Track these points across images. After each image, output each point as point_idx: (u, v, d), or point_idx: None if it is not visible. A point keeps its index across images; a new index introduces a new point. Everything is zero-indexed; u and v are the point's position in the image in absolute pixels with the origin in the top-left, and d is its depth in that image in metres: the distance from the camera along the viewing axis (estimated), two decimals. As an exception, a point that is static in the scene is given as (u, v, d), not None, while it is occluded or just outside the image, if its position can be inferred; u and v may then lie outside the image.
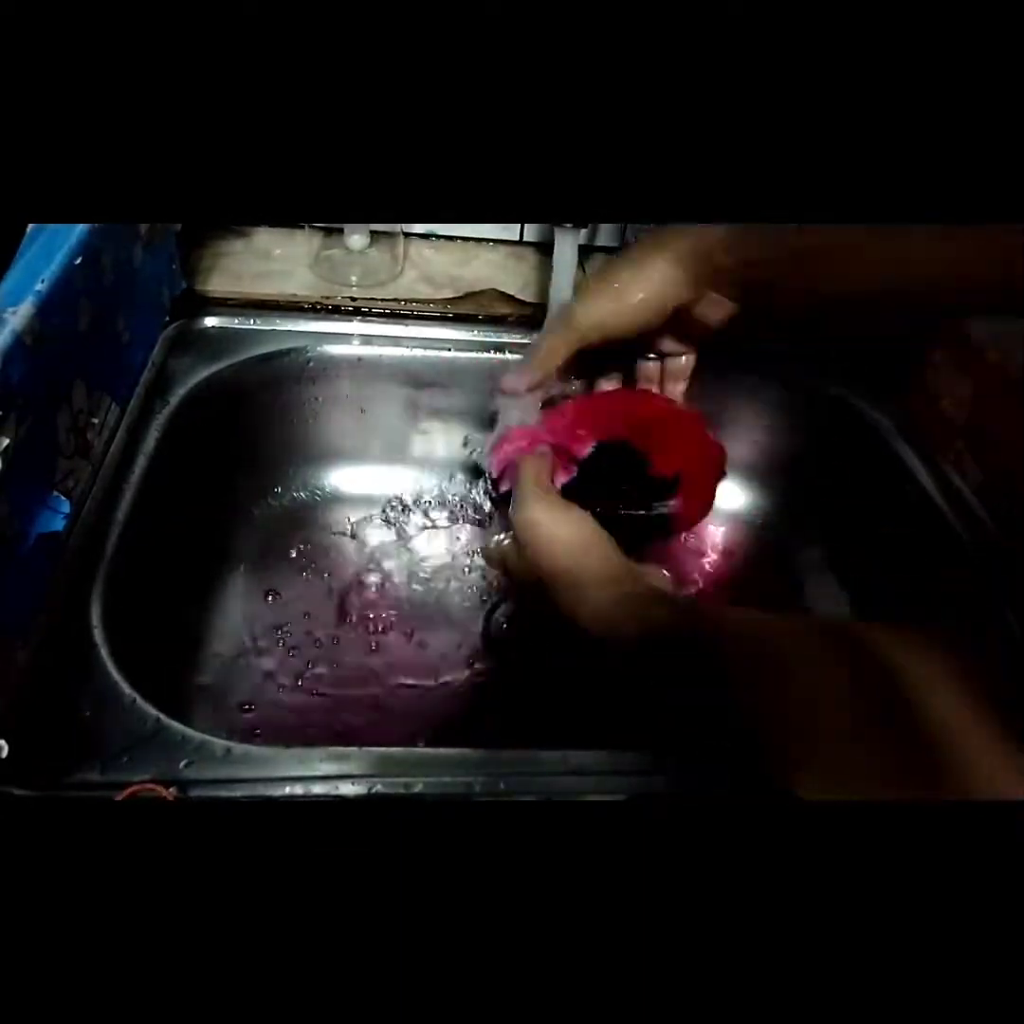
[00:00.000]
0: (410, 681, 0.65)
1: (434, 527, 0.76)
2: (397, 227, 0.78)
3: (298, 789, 0.44)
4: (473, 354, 0.73)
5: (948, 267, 0.45)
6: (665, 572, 0.50)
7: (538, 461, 0.51)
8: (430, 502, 0.77)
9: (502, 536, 0.51)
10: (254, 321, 0.71)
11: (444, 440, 0.76)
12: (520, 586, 0.50)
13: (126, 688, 0.47)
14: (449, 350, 0.72)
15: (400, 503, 0.76)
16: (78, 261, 0.50)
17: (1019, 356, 0.61)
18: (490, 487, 0.56)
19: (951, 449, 0.68)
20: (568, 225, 0.53)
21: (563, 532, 0.47)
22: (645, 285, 0.50)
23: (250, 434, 0.72)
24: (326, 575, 0.71)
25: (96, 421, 0.55)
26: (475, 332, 0.73)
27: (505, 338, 0.73)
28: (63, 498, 0.49)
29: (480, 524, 0.76)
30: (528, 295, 0.77)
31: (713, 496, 0.56)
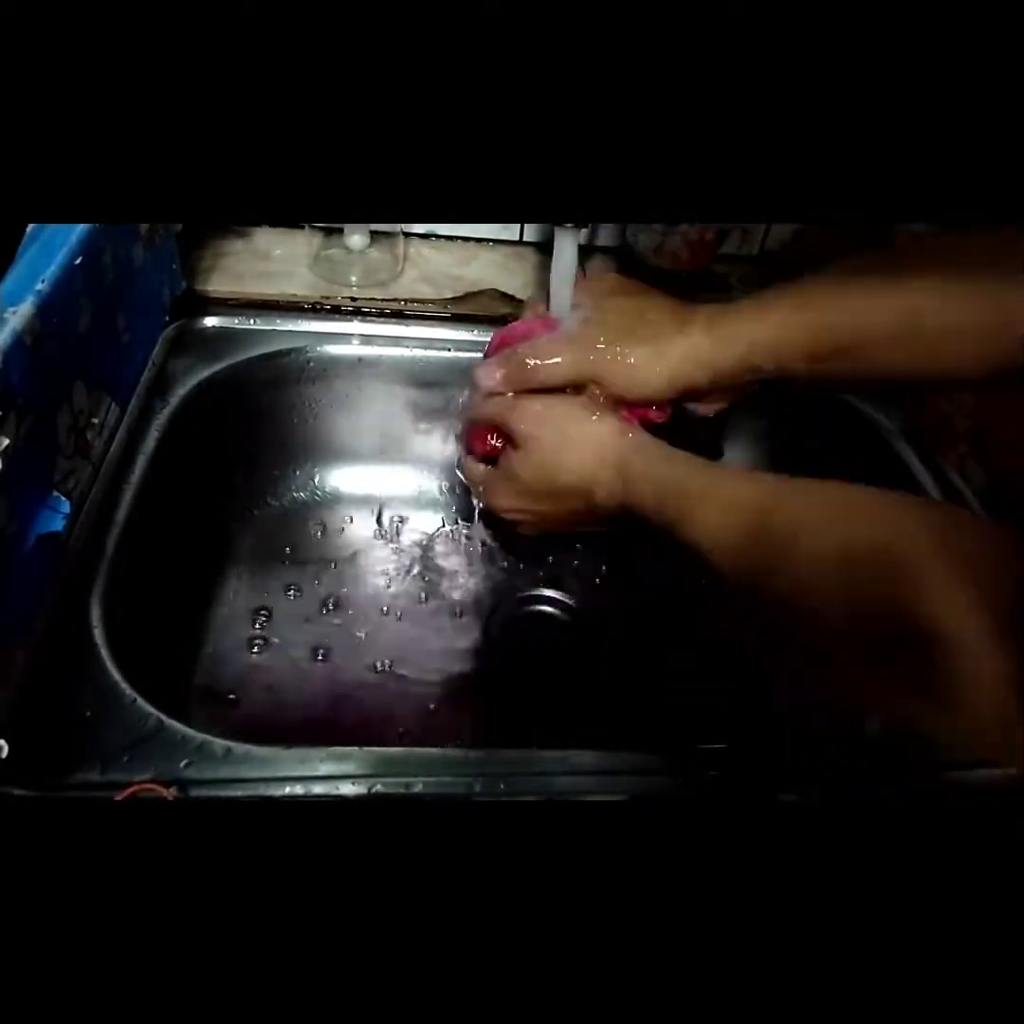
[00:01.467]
0: (410, 681, 0.65)
1: (434, 527, 0.76)
2: (397, 227, 0.78)
3: (298, 789, 0.44)
4: (473, 354, 0.72)
5: (966, 358, 0.47)
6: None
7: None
8: (430, 502, 0.77)
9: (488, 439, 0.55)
10: (254, 321, 0.71)
11: (444, 440, 0.76)
12: (534, 492, 0.53)
13: (126, 688, 0.47)
14: (449, 350, 0.72)
15: (400, 503, 0.76)
16: (78, 261, 0.50)
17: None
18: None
19: (954, 451, 0.68)
20: (568, 225, 0.53)
21: (558, 408, 0.51)
22: (668, 364, 0.51)
23: (250, 434, 0.72)
24: (326, 575, 0.71)
25: (96, 421, 0.55)
26: (475, 332, 0.73)
27: (505, 338, 0.73)
28: (63, 498, 0.49)
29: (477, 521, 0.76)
30: (528, 295, 0.77)
31: None
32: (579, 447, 0.50)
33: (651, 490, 0.47)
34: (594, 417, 0.51)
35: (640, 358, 0.51)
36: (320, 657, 0.66)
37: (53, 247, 0.49)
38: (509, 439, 0.54)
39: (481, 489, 0.57)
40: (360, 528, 0.75)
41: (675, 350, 0.51)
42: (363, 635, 0.68)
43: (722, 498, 0.44)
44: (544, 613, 0.72)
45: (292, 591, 0.69)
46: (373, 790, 0.44)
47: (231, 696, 0.62)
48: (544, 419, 0.51)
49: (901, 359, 0.48)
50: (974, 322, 0.46)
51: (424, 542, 0.75)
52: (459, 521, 0.76)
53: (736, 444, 0.79)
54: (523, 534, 0.59)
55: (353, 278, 0.76)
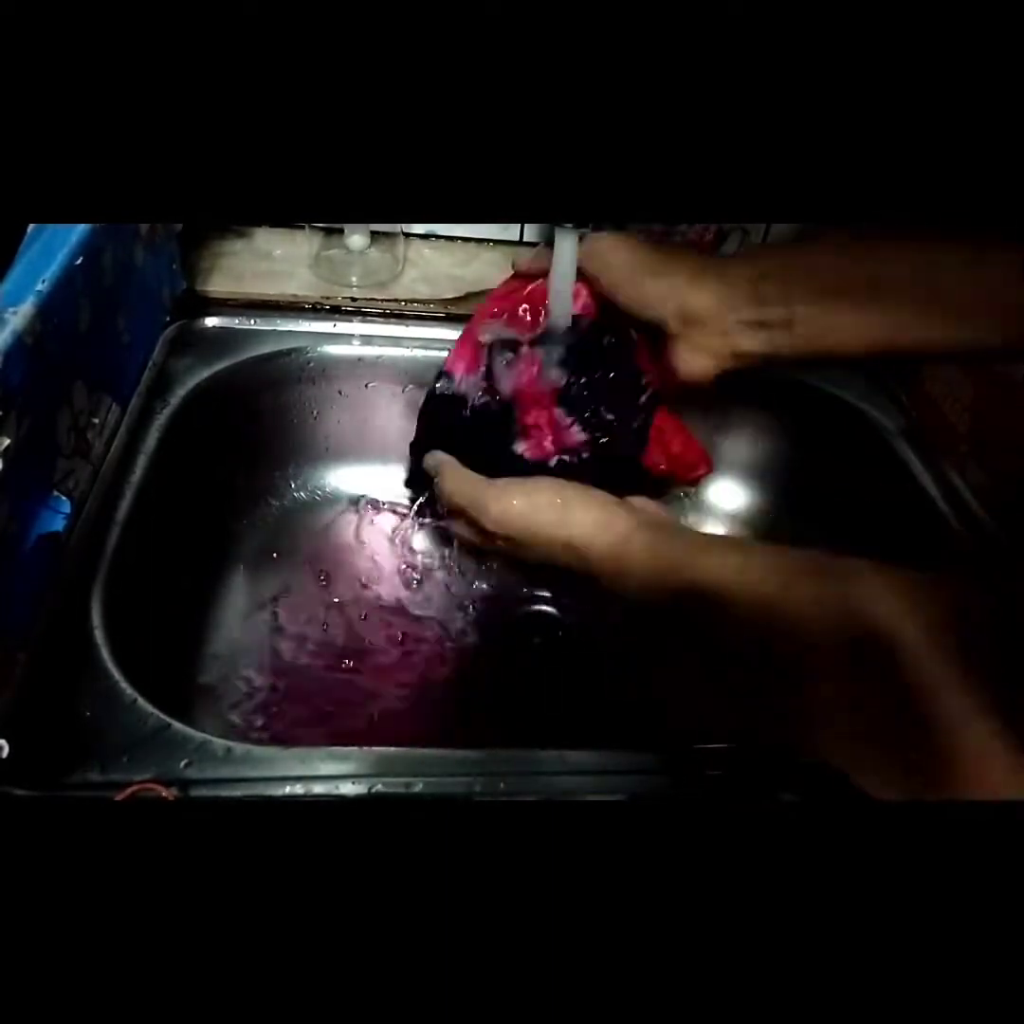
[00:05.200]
0: (410, 680, 0.65)
1: (434, 527, 0.76)
2: (397, 227, 0.78)
3: (298, 789, 0.44)
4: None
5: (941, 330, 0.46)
6: (656, 505, 0.52)
7: (455, 471, 0.53)
8: (430, 502, 0.77)
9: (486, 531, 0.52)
10: (254, 321, 0.71)
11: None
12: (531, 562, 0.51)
13: (126, 688, 0.47)
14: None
15: (400, 503, 0.76)
16: (79, 261, 0.50)
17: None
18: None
19: (954, 451, 0.68)
20: (568, 225, 0.53)
21: (540, 499, 0.49)
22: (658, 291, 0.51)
23: (250, 434, 0.72)
24: (326, 575, 0.71)
25: (96, 421, 0.55)
26: (475, 332, 0.73)
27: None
28: (63, 498, 0.49)
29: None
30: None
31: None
32: (570, 542, 0.48)
33: (636, 584, 0.45)
34: (580, 508, 0.48)
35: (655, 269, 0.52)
36: (321, 657, 0.66)
37: (53, 247, 0.49)
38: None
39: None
40: (360, 528, 0.75)
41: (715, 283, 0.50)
42: (364, 635, 0.68)
43: (715, 597, 0.41)
44: (544, 613, 0.72)
45: (293, 591, 0.69)
46: (373, 790, 0.44)
47: (232, 696, 0.62)
48: (518, 522, 0.49)
49: (917, 313, 0.47)
50: (1000, 288, 0.44)
51: (424, 542, 0.75)
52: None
53: (736, 444, 0.79)
54: None
55: (353, 278, 0.76)
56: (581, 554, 0.47)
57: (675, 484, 0.58)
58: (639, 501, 0.52)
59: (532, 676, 0.68)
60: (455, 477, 0.53)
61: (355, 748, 0.46)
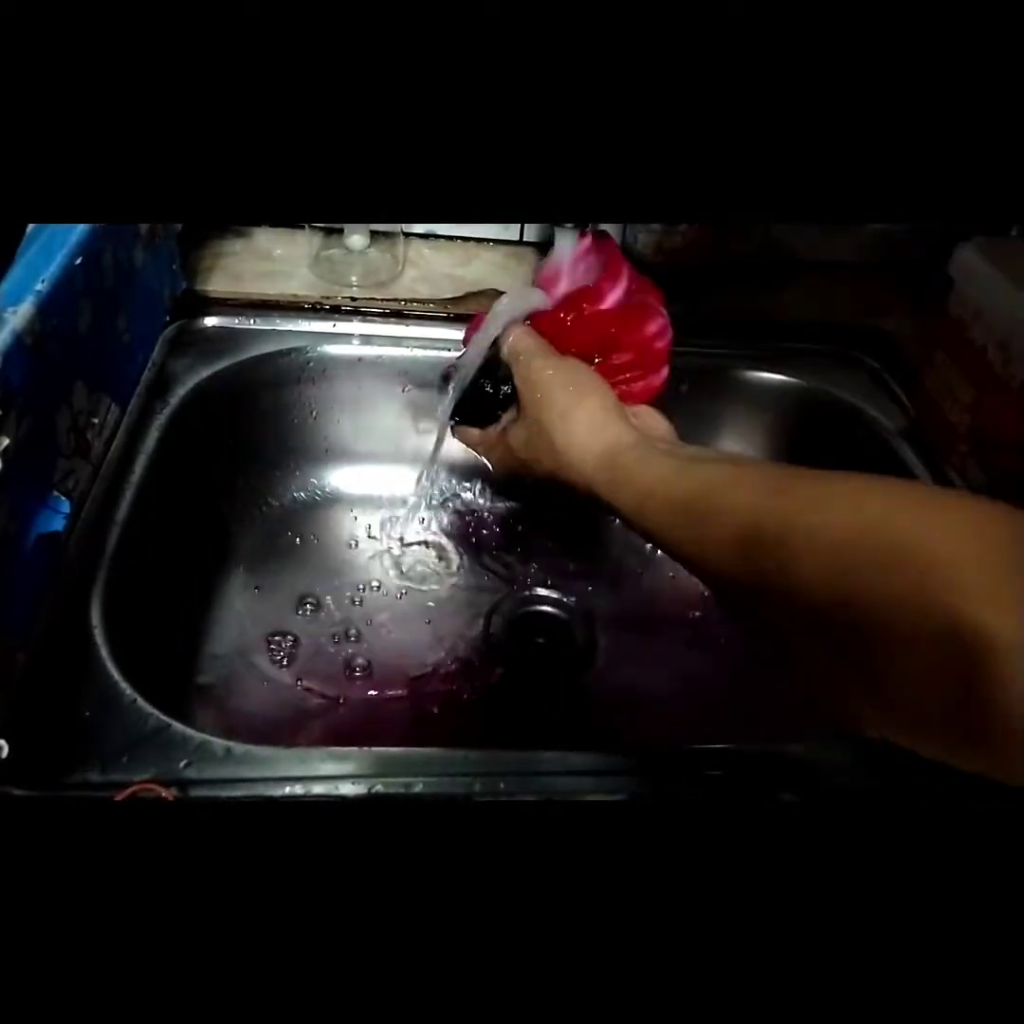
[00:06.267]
0: (411, 680, 0.65)
1: (434, 526, 0.76)
2: (397, 227, 0.78)
3: (298, 789, 0.44)
4: (473, 354, 0.73)
5: None
6: (661, 417, 0.51)
7: (529, 332, 0.51)
8: (429, 502, 0.77)
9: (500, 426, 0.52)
10: (254, 321, 0.71)
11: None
12: (522, 458, 0.50)
13: (126, 688, 0.47)
14: (449, 350, 0.72)
15: (400, 503, 0.76)
16: (79, 261, 0.50)
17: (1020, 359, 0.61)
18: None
19: (954, 451, 0.68)
20: (568, 225, 0.53)
21: (562, 376, 0.48)
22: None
23: (250, 434, 0.72)
24: (326, 575, 0.71)
25: (96, 421, 0.55)
26: (475, 332, 0.73)
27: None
28: (63, 498, 0.49)
29: (477, 522, 0.76)
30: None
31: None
32: (568, 438, 0.46)
33: (632, 496, 0.42)
34: (594, 399, 0.47)
35: None
36: (320, 657, 0.66)
37: (53, 247, 0.49)
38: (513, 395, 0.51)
39: (480, 449, 0.55)
40: (361, 528, 0.75)
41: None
42: (363, 634, 0.68)
43: (707, 506, 0.38)
44: (544, 613, 0.72)
45: (292, 591, 0.69)
46: (373, 790, 0.44)
47: (231, 696, 0.62)
48: (547, 393, 0.48)
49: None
50: None
51: (424, 542, 0.75)
52: (457, 520, 0.76)
53: (737, 445, 0.79)
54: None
55: (353, 278, 0.76)
56: (579, 458, 0.46)
57: None
58: (645, 411, 0.51)
59: (532, 676, 0.68)
60: (527, 335, 0.51)
61: (355, 748, 0.46)
